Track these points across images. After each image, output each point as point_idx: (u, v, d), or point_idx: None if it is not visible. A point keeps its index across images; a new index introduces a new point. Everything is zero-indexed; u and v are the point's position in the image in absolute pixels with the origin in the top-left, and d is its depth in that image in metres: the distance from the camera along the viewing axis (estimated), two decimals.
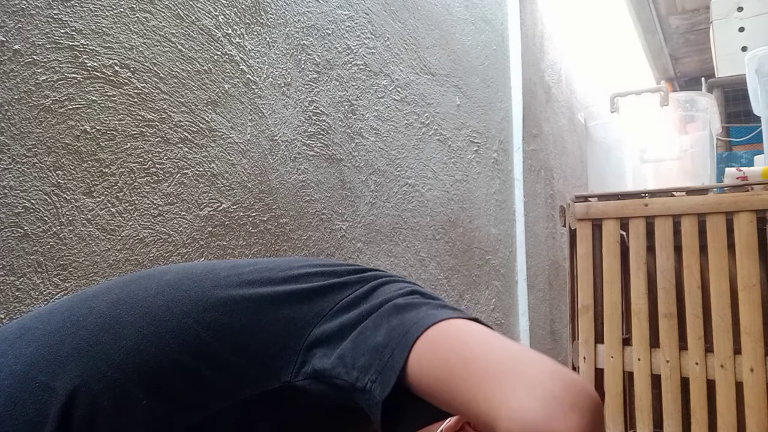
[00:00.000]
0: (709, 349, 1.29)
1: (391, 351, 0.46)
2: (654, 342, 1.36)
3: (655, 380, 1.34)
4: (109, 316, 0.52)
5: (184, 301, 0.53)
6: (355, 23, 1.25)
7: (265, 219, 0.98)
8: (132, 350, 0.50)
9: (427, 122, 1.50)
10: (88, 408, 0.47)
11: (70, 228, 0.70)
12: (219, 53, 0.92)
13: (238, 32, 0.95)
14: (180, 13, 0.86)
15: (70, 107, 0.71)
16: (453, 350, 0.44)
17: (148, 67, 0.80)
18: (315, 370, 0.51)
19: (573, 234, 1.48)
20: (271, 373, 0.52)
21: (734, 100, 2.80)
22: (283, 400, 0.54)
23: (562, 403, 0.36)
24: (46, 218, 0.68)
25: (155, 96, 0.81)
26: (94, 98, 0.74)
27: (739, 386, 1.24)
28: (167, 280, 0.56)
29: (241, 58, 0.95)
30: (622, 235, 1.43)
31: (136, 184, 0.78)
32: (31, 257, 0.66)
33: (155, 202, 0.81)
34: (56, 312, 0.54)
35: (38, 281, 0.67)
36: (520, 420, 0.36)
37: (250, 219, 0.95)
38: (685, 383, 1.31)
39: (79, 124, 0.72)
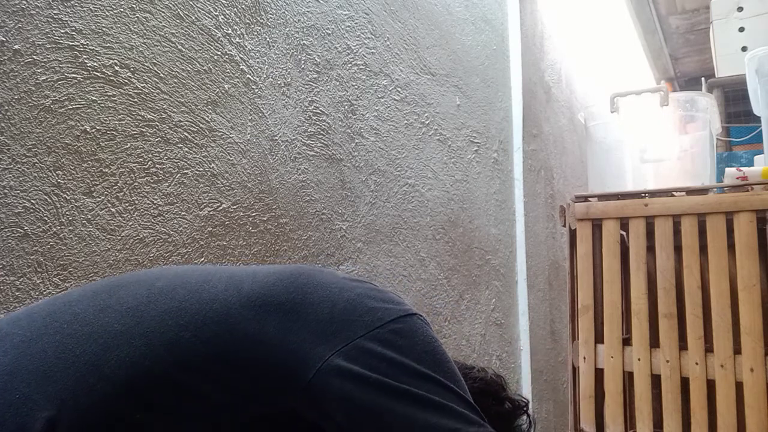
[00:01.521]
0: (709, 349, 1.29)
1: None
2: (654, 342, 1.36)
3: (655, 380, 1.34)
4: (97, 325, 0.49)
5: (179, 312, 0.50)
6: (355, 23, 1.25)
7: (265, 219, 0.98)
8: (123, 362, 0.47)
9: (427, 122, 1.50)
10: (75, 422, 0.45)
11: (70, 228, 0.70)
12: (219, 53, 0.92)
13: (238, 32, 0.95)
14: (180, 13, 0.86)
15: (70, 107, 0.71)
16: None
17: (148, 67, 0.80)
18: (327, 412, 0.49)
19: (573, 234, 1.48)
20: (275, 395, 0.50)
21: (734, 100, 2.80)
22: (282, 420, 0.52)
23: None
24: (46, 218, 0.68)
25: (155, 96, 0.81)
26: (94, 98, 0.74)
27: (739, 386, 1.24)
28: (159, 287, 0.53)
29: (241, 58, 0.95)
30: (622, 235, 1.43)
31: (136, 184, 0.78)
32: (31, 257, 0.66)
33: (155, 202, 0.81)
34: (36, 317, 0.51)
35: (38, 281, 0.67)
36: None
37: (250, 219, 0.95)
38: (685, 383, 1.31)
39: (79, 124, 0.72)
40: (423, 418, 0.47)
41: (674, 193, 1.37)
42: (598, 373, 1.41)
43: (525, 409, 0.69)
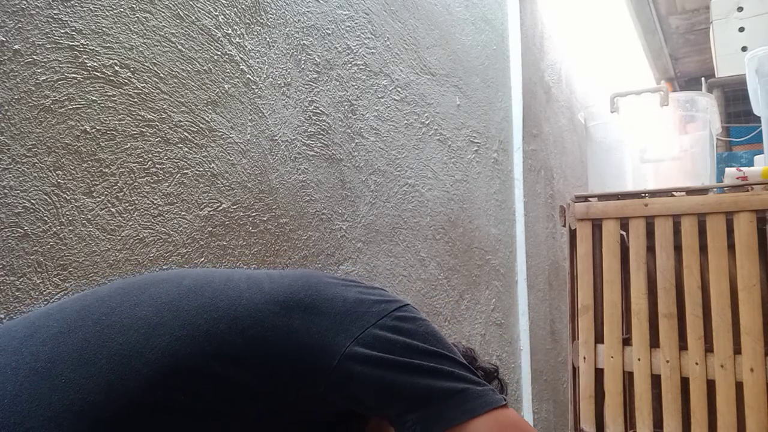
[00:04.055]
0: (709, 349, 1.29)
1: (445, 409, 0.53)
2: (654, 342, 1.36)
3: (655, 380, 1.34)
4: (135, 318, 0.53)
5: (211, 307, 0.55)
6: (355, 23, 1.25)
7: (265, 219, 0.98)
8: (166, 350, 0.51)
9: (427, 122, 1.50)
10: (124, 402, 0.48)
11: (70, 228, 0.70)
12: (219, 53, 0.92)
13: (238, 32, 0.95)
14: (180, 13, 0.86)
15: (70, 107, 0.71)
16: None
17: (148, 67, 0.80)
18: (353, 393, 0.55)
19: (573, 234, 1.48)
20: (305, 382, 0.55)
21: (734, 100, 2.80)
22: (310, 406, 0.57)
23: None
24: (46, 218, 0.68)
25: (155, 96, 0.81)
26: (94, 98, 0.74)
27: (739, 386, 1.24)
28: (187, 285, 0.58)
29: (241, 58, 0.95)
30: (622, 235, 1.43)
31: (136, 184, 0.78)
32: (31, 257, 0.66)
33: (155, 202, 0.81)
34: (69, 310, 0.55)
35: (38, 281, 0.67)
36: None
37: (250, 219, 0.96)
38: (685, 383, 1.31)
39: (79, 124, 0.72)
40: (438, 384, 0.54)
41: (674, 193, 1.37)
42: (598, 373, 1.41)
43: (496, 374, 0.76)
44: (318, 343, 0.55)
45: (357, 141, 1.23)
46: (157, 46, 0.82)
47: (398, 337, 0.56)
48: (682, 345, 1.32)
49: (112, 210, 0.75)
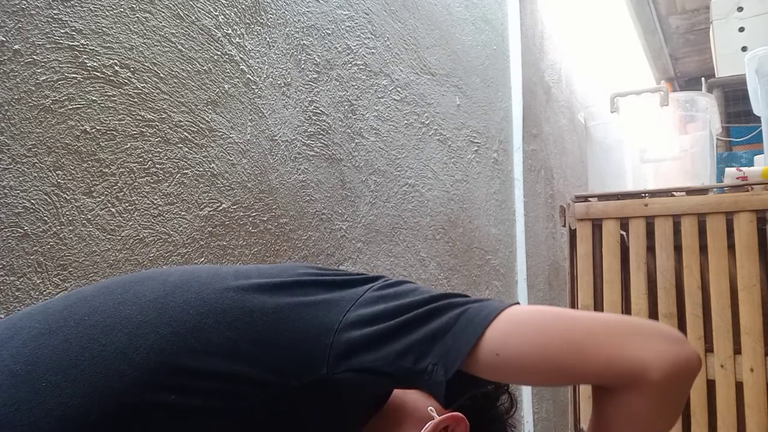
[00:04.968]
0: (709, 349, 1.29)
1: (455, 337, 0.51)
2: None
3: None
4: (119, 317, 0.52)
5: (198, 302, 0.54)
6: (355, 23, 1.25)
7: (265, 219, 0.98)
8: (152, 349, 0.50)
9: (427, 122, 1.50)
10: (110, 404, 0.47)
11: (70, 228, 0.70)
12: (219, 53, 0.92)
13: (238, 32, 0.95)
14: (180, 13, 0.86)
15: (70, 107, 0.71)
16: (554, 324, 0.52)
17: (148, 67, 0.80)
18: (358, 363, 0.53)
19: (573, 234, 1.48)
20: (302, 367, 0.54)
21: (734, 100, 2.80)
22: (318, 392, 0.55)
23: (680, 339, 0.49)
24: (46, 218, 0.68)
25: (155, 96, 0.81)
26: (94, 98, 0.74)
27: (739, 386, 1.24)
28: (172, 282, 0.56)
29: (241, 58, 0.95)
30: (622, 235, 1.43)
31: (136, 184, 0.78)
32: (31, 257, 0.66)
33: (155, 202, 0.81)
34: (52, 311, 0.53)
35: (38, 281, 0.67)
36: (667, 357, 0.47)
37: (250, 219, 0.95)
38: None
39: (79, 124, 0.72)
40: (438, 322, 0.53)
41: (674, 193, 1.37)
42: None
43: (506, 388, 0.74)
44: (311, 323, 0.54)
45: (357, 141, 1.23)
46: (157, 46, 0.82)
47: (387, 303, 0.55)
48: None
49: (112, 210, 0.75)
